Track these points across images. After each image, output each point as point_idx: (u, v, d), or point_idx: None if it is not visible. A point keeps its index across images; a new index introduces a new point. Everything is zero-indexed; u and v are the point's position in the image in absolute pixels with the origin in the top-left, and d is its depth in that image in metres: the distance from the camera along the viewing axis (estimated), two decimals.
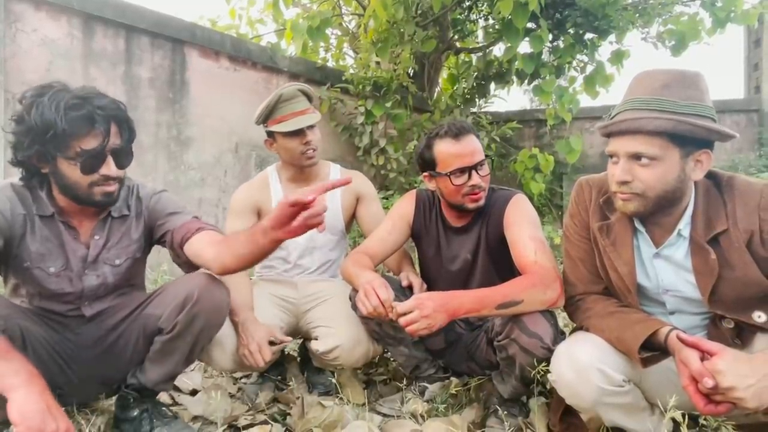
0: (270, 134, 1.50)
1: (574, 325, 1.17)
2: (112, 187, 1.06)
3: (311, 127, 1.45)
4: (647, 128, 0.93)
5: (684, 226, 1.02)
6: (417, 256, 1.55)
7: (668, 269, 1.05)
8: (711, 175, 1.04)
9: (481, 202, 1.31)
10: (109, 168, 1.03)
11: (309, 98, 1.50)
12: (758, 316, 0.97)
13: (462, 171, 1.28)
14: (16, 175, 1.10)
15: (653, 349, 0.95)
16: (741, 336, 1.01)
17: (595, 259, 1.12)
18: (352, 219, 1.63)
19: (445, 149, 1.29)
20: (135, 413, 1.20)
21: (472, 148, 1.28)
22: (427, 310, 1.06)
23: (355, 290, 1.28)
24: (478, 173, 1.28)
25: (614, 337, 1.00)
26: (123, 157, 1.07)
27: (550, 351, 1.09)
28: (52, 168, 1.02)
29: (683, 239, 1.03)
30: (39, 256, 1.07)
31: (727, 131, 0.93)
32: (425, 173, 1.37)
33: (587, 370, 0.97)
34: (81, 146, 0.99)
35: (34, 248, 1.07)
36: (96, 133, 0.99)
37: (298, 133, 1.44)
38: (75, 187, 1.03)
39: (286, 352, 1.71)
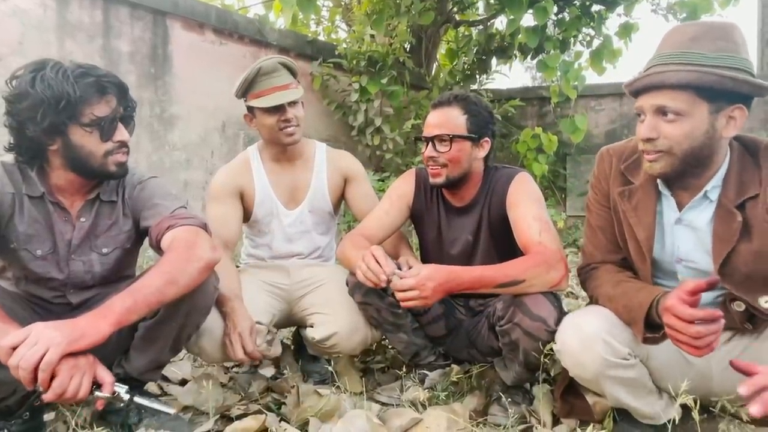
0: (250, 109, 1.42)
1: (587, 300, 1.15)
2: (125, 157, 1.08)
3: (293, 103, 1.37)
4: (670, 81, 0.90)
5: (712, 188, 0.98)
6: (416, 239, 1.50)
7: (688, 238, 1.03)
8: (744, 141, 1.00)
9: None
10: (123, 134, 1.06)
11: (292, 72, 1.41)
12: (765, 301, 0.95)
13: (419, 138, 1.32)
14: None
15: (658, 327, 0.92)
16: (752, 321, 0.99)
17: (614, 227, 1.10)
18: (340, 201, 1.56)
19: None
20: (122, 404, 1.15)
21: (436, 120, 1.27)
22: (426, 291, 1.06)
23: (352, 274, 1.23)
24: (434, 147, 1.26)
25: (621, 305, 0.98)
26: (129, 125, 1.11)
27: (555, 334, 1.06)
28: (63, 141, 1.02)
29: (709, 203, 0.99)
30: (26, 237, 1.06)
31: (760, 83, 0.88)
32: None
33: (592, 340, 0.97)
34: (94, 113, 1.01)
35: (21, 229, 1.05)
36: (108, 99, 1.03)
37: (278, 109, 1.35)
38: (90, 157, 1.03)
39: (281, 340, 1.66)
